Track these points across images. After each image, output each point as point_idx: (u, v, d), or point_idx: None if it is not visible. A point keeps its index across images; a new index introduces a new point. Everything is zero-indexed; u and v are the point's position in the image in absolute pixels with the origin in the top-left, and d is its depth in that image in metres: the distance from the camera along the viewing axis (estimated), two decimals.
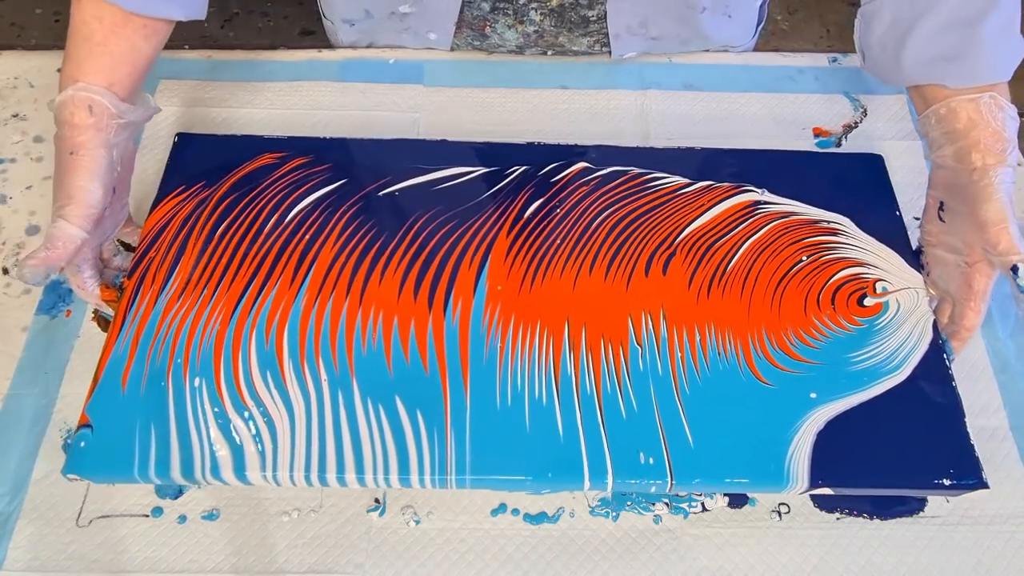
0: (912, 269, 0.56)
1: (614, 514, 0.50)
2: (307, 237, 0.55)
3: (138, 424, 0.47)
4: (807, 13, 1.84)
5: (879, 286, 0.55)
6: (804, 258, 0.56)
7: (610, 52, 0.71)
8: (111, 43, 0.51)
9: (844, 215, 0.58)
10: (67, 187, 0.49)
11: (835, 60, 0.73)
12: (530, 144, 0.62)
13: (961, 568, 0.49)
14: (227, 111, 0.68)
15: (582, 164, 0.60)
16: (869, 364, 0.51)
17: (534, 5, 0.67)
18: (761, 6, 0.74)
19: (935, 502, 0.51)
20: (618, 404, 0.49)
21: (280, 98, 0.69)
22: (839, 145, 0.67)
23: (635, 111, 0.69)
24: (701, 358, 0.51)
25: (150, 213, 0.56)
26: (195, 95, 0.69)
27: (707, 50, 0.73)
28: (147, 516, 0.50)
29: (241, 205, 0.57)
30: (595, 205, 0.58)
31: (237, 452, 0.46)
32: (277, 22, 1.77)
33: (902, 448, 0.48)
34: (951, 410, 0.50)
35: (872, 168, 0.62)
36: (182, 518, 0.50)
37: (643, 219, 0.58)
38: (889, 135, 0.68)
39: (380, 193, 0.58)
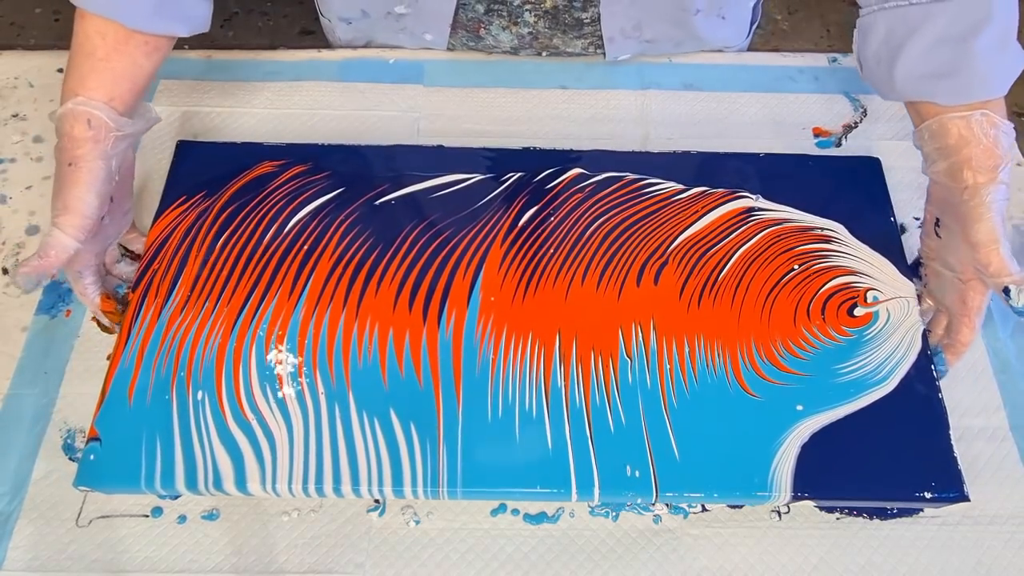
0: (904, 278, 0.56)
1: (614, 514, 0.50)
2: (305, 248, 0.56)
3: (144, 437, 0.48)
4: (807, 13, 1.84)
5: (870, 295, 0.55)
6: (796, 267, 0.56)
7: (605, 54, 0.71)
8: (113, 59, 0.52)
9: (838, 221, 0.58)
10: (64, 197, 0.49)
11: (835, 60, 0.73)
12: (526, 149, 0.62)
13: (961, 568, 0.49)
14: (227, 111, 0.68)
15: (577, 170, 0.60)
16: (856, 376, 0.51)
17: (528, 7, 0.67)
18: (755, 6, 0.74)
19: None
20: (607, 417, 0.49)
21: (280, 98, 0.69)
22: (839, 145, 0.67)
23: (635, 111, 0.69)
24: (689, 370, 0.51)
25: (152, 224, 0.57)
26: (195, 95, 0.69)
27: (702, 51, 0.73)
28: (147, 516, 0.50)
29: (241, 216, 0.57)
30: (589, 213, 0.58)
31: (238, 464, 0.47)
32: (277, 22, 1.77)
33: (885, 460, 0.49)
34: (936, 422, 0.50)
35: (869, 172, 0.62)
36: (182, 518, 0.50)
37: (636, 227, 0.58)
38: (889, 135, 0.68)
39: (377, 202, 0.58)
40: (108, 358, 0.54)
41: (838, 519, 0.51)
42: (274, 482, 0.47)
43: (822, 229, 0.58)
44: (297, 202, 0.58)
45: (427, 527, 0.50)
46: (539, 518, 0.50)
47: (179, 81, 0.69)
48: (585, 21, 0.68)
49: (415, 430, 0.49)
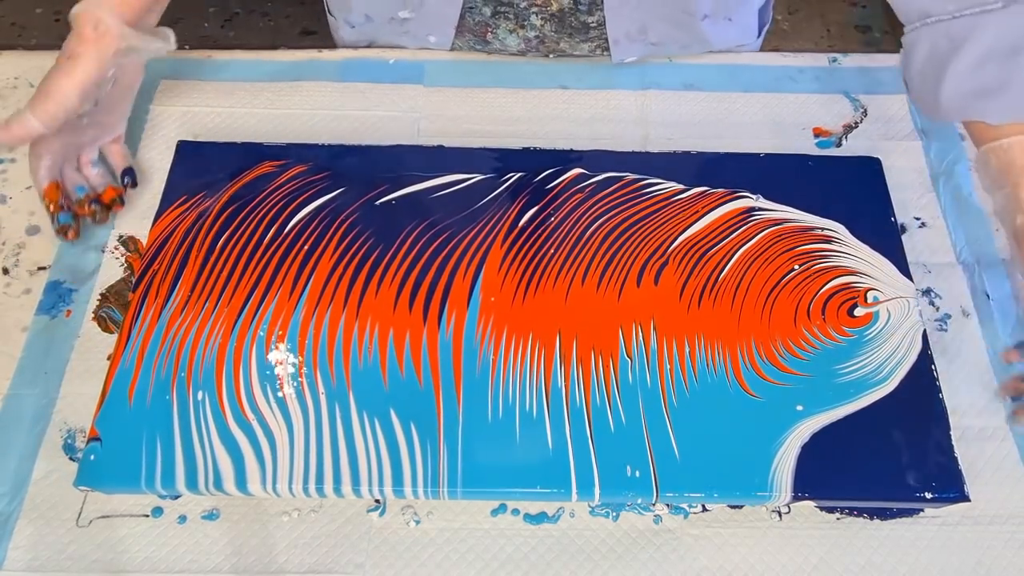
0: (904, 278, 0.56)
1: (614, 514, 0.50)
2: (305, 248, 0.56)
3: (144, 437, 0.48)
4: (807, 13, 1.84)
5: (870, 295, 0.55)
6: (796, 267, 0.56)
7: (611, 57, 0.71)
8: None
9: (838, 221, 0.58)
10: (48, 84, 0.52)
11: (835, 60, 0.73)
12: (526, 149, 0.62)
13: (961, 568, 0.49)
14: (227, 111, 0.68)
15: (577, 170, 0.60)
16: (857, 376, 0.51)
17: (535, 10, 0.67)
18: (762, 8, 0.74)
19: None
20: (607, 417, 0.49)
21: (280, 98, 0.69)
22: (839, 145, 0.67)
23: (635, 111, 0.69)
24: (690, 370, 0.51)
25: (153, 224, 0.57)
26: (195, 95, 0.69)
27: (709, 51, 0.73)
28: (147, 516, 0.50)
29: (241, 216, 0.57)
30: (589, 213, 0.58)
31: (238, 464, 0.48)
32: (278, 22, 1.77)
33: (885, 460, 0.49)
34: (936, 422, 0.50)
35: (869, 172, 0.62)
36: (182, 518, 0.50)
37: (636, 227, 0.58)
38: (889, 135, 0.68)
39: (378, 202, 0.58)
40: (108, 358, 0.54)
41: (838, 519, 0.51)
42: (274, 482, 0.47)
43: (822, 229, 0.58)
44: (297, 202, 0.58)
45: (427, 527, 0.50)
46: (539, 518, 0.50)
47: (179, 81, 0.69)
48: (591, 25, 0.68)
49: (415, 430, 0.49)
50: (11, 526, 0.49)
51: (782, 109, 0.70)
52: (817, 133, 0.68)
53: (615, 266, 0.56)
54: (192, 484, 0.47)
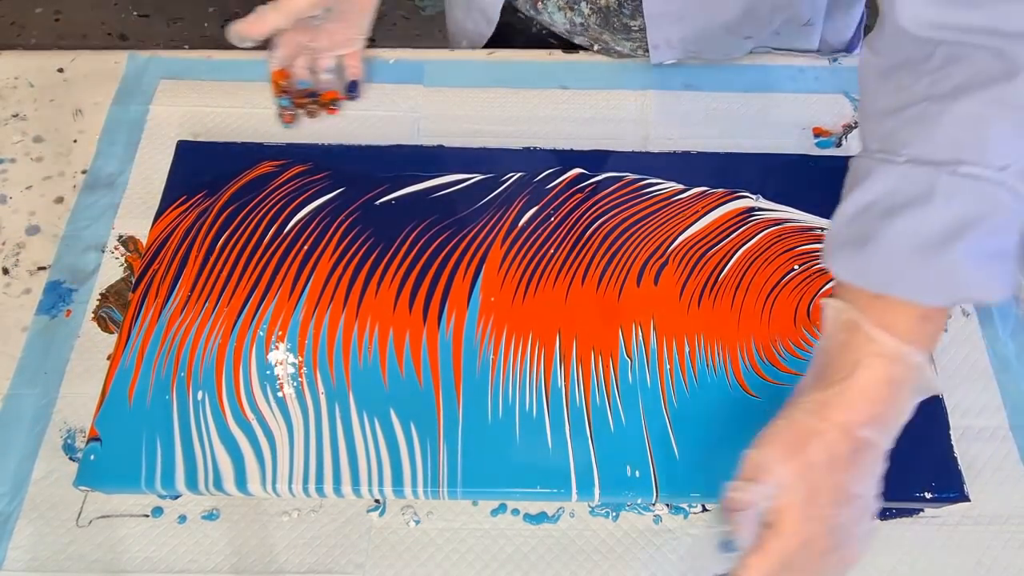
0: None
1: (614, 514, 0.50)
2: (305, 248, 0.56)
3: (144, 437, 0.48)
4: None
5: None
6: (796, 267, 0.56)
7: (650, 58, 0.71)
8: None
9: None
10: None
11: (835, 60, 0.73)
12: (526, 149, 0.62)
13: (961, 568, 0.49)
14: (227, 111, 0.68)
15: (577, 170, 0.60)
16: None
17: None
18: (809, 29, 0.72)
19: None
20: (607, 417, 0.49)
21: None
22: (839, 145, 0.67)
23: (635, 111, 0.69)
24: (690, 371, 0.51)
25: (153, 224, 0.57)
26: (195, 95, 0.69)
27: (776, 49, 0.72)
28: (147, 516, 0.50)
29: (241, 216, 0.57)
30: (589, 213, 0.58)
31: (238, 464, 0.48)
32: None
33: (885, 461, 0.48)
34: (937, 422, 0.50)
35: None
36: (182, 518, 0.50)
37: (636, 227, 0.58)
38: None
39: (377, 202, 0.58)
40: (108, 358, 0.54)
41: None
42: (274, 482, 0.47)
43: (822, 229, 0.58)
44: (297, 202, 0.58)
45: (427, 527, 0.50)
46: (539, 518, 0.50)
47: (179, 81, 0.69)
48: (633, 28, 0.68)
49: (415, 430, 0.49)
50: (11, 526, 0.49)
51: (782, 109, 0.70)
52: (817, 133, 0.68)
53: (615, 266, 0.56)
54: (192, 484, 0.47)
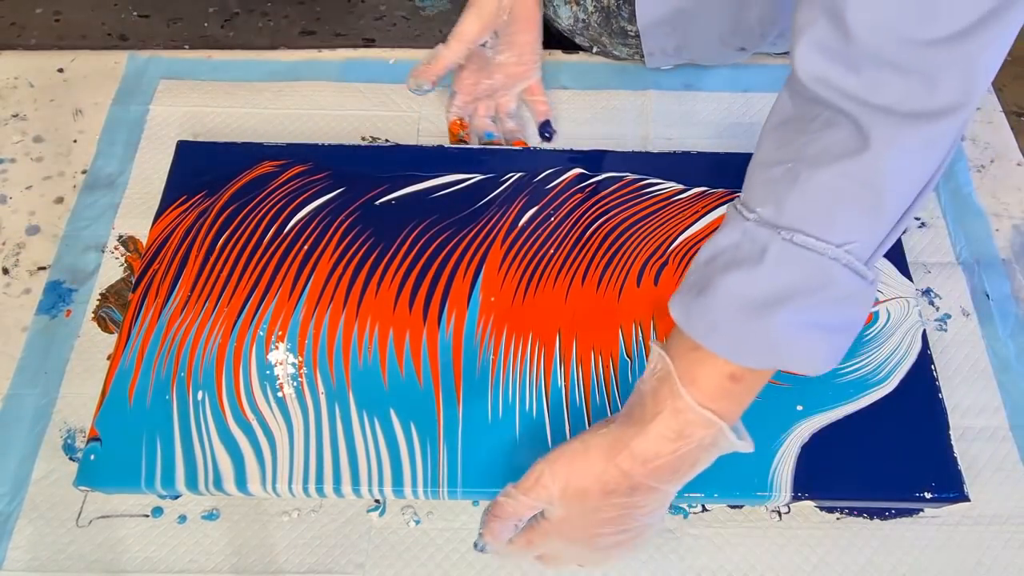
0: (904, 278, 0.56)
1: None
2: (305, 248, 0.56)
3: (144, 437, 0.48)
4: None
5: None
6: None
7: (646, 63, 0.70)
8: None
9: None
10: (457, 24, 0.61)
11: None
12: (526, 149, 0.62)
13: (961, 568, 0.49)
14: (227, 111, 0.68)
15: (577, 170, 0.60)
16: (857, 376, 0.51)
17: None
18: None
19: None
20: (607, 417, 0.49)
21: (280, 98, 0.69)
22: None
23: (635, 112, 0.69)
24: None
25: (153, 224, 0.57)
26: (195, 95, 0.69)
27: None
28: (147, 516, 0.50)
29: (241, 216, 0.57)
30: (589, 213, 0.58)
31: (238, 464, 0.48)
32: (277, 22, 1.77)
33: (885, 460, 0.49)
34: (936, 422, 0.50)
35: None
36: (182, 518, 0.50)
37: (636, 227, 0.58)
38: None
39: (378, 202, 0.58)
40: (108, 358, 0.54)
41: (838, 519, 0.51)
42: (274, 482, 0.47)
43: None
44: (297, 202, 0.58)
45: (427, 527, 0.50)
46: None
47: (179, 81, 0.69)
48: (630, 33, 0.68)
49: (415, 430, 0.49)
50: (11, 526, 0.49)
51: None
52: None
53: (615, 266, 0.56)
54: (192, 484, 0.47)
